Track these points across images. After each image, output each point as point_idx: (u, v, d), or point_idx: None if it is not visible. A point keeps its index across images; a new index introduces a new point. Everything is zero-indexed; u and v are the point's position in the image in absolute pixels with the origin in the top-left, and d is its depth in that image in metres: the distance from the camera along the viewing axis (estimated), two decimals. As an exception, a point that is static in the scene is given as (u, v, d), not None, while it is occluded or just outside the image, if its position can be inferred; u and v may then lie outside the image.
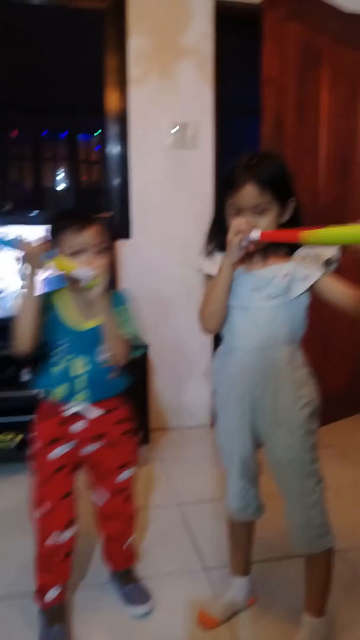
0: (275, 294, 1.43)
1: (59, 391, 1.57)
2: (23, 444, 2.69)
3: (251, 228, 1.35)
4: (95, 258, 1.47)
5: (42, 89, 5.31)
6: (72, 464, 1.63)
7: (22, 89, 5.20)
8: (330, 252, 1.39)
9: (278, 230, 1.40)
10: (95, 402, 1.60)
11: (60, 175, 7.24)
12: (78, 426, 1.59)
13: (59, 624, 1.61)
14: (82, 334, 1.55)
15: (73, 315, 1.56)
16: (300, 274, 1.41)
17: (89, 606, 1.77)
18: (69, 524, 1.60)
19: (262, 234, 1.35)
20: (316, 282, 1.41)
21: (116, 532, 1.74)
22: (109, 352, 1.54)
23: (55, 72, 4.98)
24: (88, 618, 1.72)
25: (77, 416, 1.59)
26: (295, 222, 1.42)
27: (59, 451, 1.58)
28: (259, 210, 1.37)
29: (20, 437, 2.70)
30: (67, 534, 1.59)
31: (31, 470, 1.63)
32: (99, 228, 1.49)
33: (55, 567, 1.60)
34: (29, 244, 1.44)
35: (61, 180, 7.25)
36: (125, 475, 1.68)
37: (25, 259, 1.43)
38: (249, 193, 1.36)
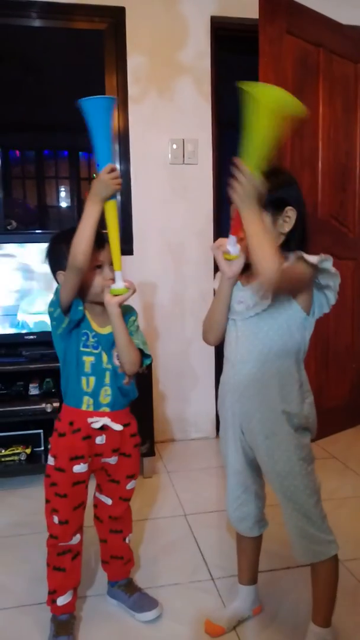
0: (252, 304, 1.45)
1: (86, 401, 1.63)
2: (32, 457, 2.72)
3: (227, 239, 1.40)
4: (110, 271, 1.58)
5: (44, 109, 5.38)
6: (88, 477, 1.69)
7: (24, 109, 5.27)
8: (315, 258, 1.34)
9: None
10: (116, 411, 1.66)
11: (62, 193, 7.32)
12: (100, 439, 1.65)
13: (66, 635, 1.64)
14: (105, 337, 1.62)
15: (93, 324, 1.63)
16: None
17: (96, 616, 1.78)
18: (79, 529, 1.70)
19: (237, 238, 1.38)
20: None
21: (117, 528, 1.80)
22: (123, 359, 1.61)
23: (56, 91, 5.05)
24: (95, 628, 1.73)
25: (100, 430, 1.64)
26: (301, 231, 1.42)
27: (80, 468, 1.63)
28: None
29: (29, 450, 2.73)
30: (77, 538, 1.69)
31: (48, 479, 1.66)
32: (108, 245, 1.59)
33: (67, 565, 1.67)
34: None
35: (63, 198, 7.32)
36: (132, 484, 1.77)
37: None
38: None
